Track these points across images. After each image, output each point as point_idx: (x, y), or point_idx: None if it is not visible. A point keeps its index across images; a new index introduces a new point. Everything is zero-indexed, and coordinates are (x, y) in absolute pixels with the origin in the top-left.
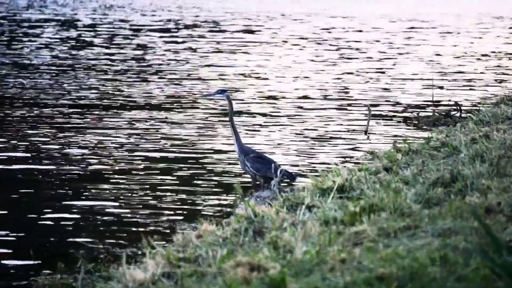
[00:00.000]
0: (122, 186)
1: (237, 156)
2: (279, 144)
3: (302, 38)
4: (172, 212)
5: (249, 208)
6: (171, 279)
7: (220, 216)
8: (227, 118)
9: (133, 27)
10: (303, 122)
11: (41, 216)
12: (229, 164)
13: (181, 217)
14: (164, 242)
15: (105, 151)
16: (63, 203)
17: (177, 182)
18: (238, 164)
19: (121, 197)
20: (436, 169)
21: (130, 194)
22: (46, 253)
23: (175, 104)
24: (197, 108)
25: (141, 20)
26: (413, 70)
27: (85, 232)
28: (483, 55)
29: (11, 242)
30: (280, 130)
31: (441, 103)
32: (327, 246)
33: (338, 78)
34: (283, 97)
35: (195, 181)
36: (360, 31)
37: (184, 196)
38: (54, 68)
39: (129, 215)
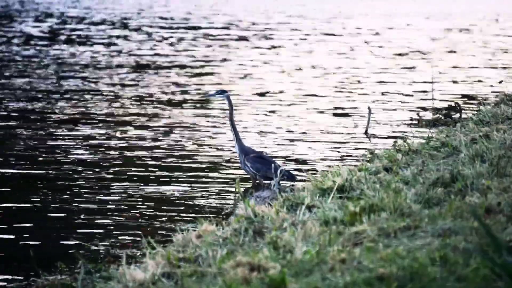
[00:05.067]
0: (122, 186)
1: (237, 156)
2: (278, 144)
3: (301, 38)
4: (172, 212)
5: (249, 208)
6: (171, 279)
7: (220, 216)
8: (227, 118)
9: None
10: (303, 122)
11: (41, 216)
12: (229, 164)
13: (181, 217)
14: (164, 242)
15: (105, 151)
16: (63, 203)
17: (177, 182)
18: (238, 164)
19: (121, 197)
20: (436, 169)
21: (130, 194)
22: (46, 253)
23: (174, 104)
24: (197, 108)
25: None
26: (414, 69)
27: (85, 232)
28: (483, 54)
29: (11, 242)
30: (279, 130)
31: (441, 103)
32: (327, 246)
33: (338, 78)
34: (283, 97)
35: (195, 181)
36: (359, 28)
37: (184, 196)
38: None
39: (129, 215)
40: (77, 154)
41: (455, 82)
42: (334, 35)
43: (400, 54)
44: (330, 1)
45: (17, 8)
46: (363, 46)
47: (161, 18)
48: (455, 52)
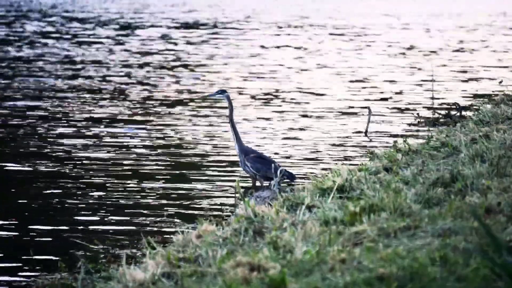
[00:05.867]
0: (122, 186)
1: (237, 156)
2: (279, 144)
3: (302, 38)
4: (172, 212)
5: (249, 208)
6: (171, 279)
7: (220, 216)
8: (227, 118)
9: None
10: (303, 122)
11: (41, 216)
12: (229, 164)
13: (181, 217)
14: (164, 242)
15: (105, 151)
16: (63, 203)
17: (177, 182)
18: (238, 164)
19: (121, 197)
20: (436, 169)
21: (130, 194)
22: (46, 253)
23: (175, 104)
24: (197, 107)
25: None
26: (414, 69)
27: (85, 232)
28: (483, 54)
29: (11, 242)
30: (280, 130)
31: (441, 103)
32: (327, 246)
33: (339, 78)
34: (283, 97)
35: (195, 182)
36: (360, 28)
37: (184, 196)
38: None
39: (129, 215)
40: (77, 154)
41: (455, 81)
42: (335, 34)
43: (400, 54)
44: (330, 1)
45: (22, 7)
46: (364, 46)
47: (168, 18)
48: (455, 51)
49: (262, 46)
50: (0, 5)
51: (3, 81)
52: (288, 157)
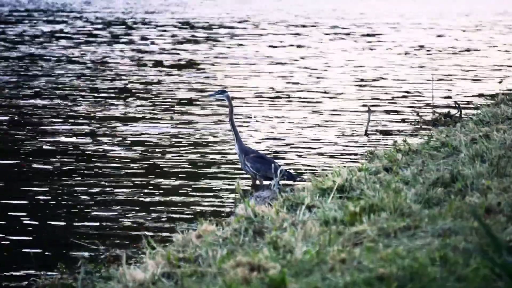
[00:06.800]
0: (122, 186)
1: (237, 156)
2: (279, 144)
3: (303, 38)
4: (172, 212)
5: (249, 208)
6: (171, 279)
7: (220, 216)
8: (227, 118)
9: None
10: (303, 121)
11: (42, 216)
12: (229, 164)
13: (181, 217)
14: (164, 242)
15: (105, 151)
16: (63, 203)
17: (177, 182)
18: (238, 164)
19: (121, 197)
20: (436, 169)
21: (130, 194)
22: (46, 253)
23: (174, 103)
24: (198, 107)
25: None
26: (414, 69)
27: (85, 232)
28: (483, 53)
29: (11, 242)
30: (279, 129)
31: (442, 102)
32: (327, 246)
33: (338, 78)
34: (284, 97)
35: (195, 181)
36: (363, 28)
37: (184, 196)
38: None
39: (129, 215)
40: (74, 153)
41: (456, 81)
42: (335, 34)
43: (400, 54)
44: (330, 1)
45: (32, 8)
46: (364, 45)
47: (171, 18)
48: (455, 51)
49: (264, 46)
50: (7, 5)
51: (17, 80)
52: (288, 157)
